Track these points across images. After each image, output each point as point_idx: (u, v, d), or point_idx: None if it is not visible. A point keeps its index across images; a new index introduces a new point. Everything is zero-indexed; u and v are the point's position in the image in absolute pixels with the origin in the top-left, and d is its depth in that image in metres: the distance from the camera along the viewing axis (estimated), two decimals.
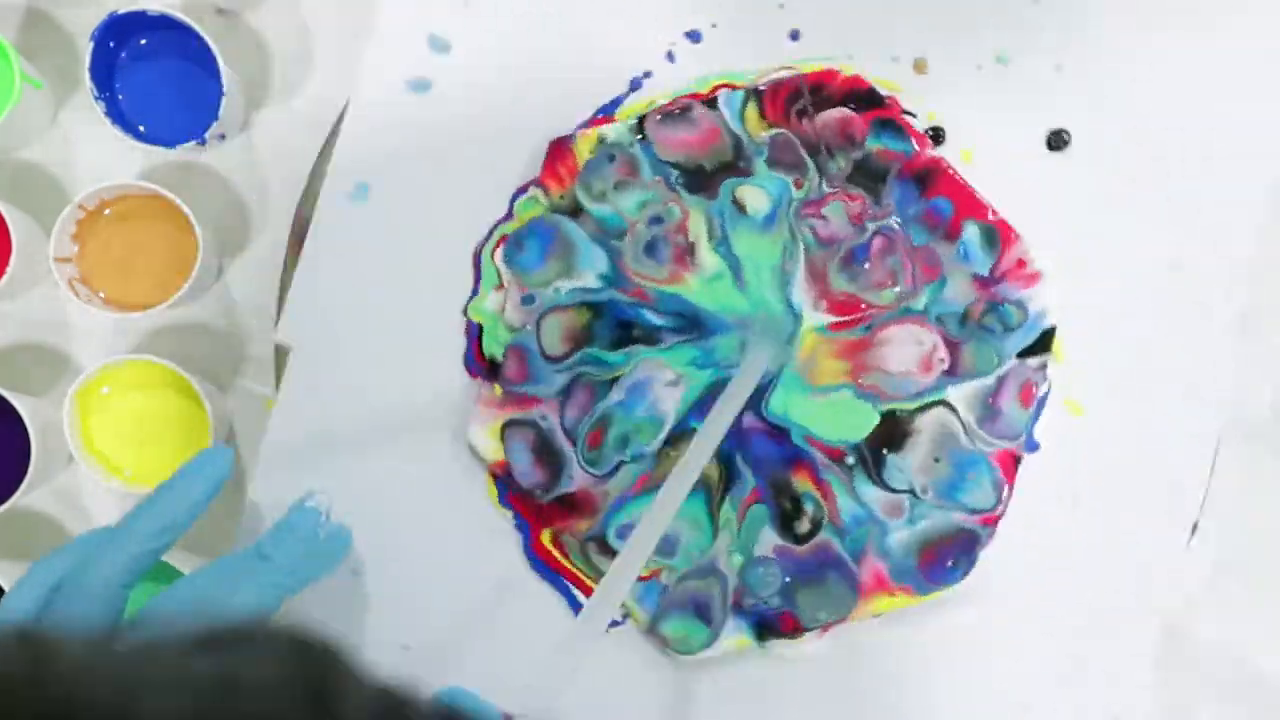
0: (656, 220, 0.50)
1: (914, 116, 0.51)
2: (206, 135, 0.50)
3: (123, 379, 0.51)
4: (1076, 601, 0.51)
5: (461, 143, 0.52)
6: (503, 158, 0.52)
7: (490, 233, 0.51)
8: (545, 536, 0.51)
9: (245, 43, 0.53)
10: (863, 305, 0.50)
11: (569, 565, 0.51)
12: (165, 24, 0.50)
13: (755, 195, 0.50)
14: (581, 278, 0.50)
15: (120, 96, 0.52)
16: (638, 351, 0.50)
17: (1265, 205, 0.51)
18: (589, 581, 0.50)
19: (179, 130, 0.51)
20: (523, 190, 0.52)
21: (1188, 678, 0.51)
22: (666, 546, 0.49)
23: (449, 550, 0.51)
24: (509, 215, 0.52)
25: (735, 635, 0.50)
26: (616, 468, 0.50)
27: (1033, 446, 0.51)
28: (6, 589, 0.49)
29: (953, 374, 0.50)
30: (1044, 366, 0.51)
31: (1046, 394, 0.51)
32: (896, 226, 0.50)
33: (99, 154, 0.53)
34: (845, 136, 0.50)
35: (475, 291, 0.51)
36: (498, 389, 0.50)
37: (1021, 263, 0.51)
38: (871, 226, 0.50)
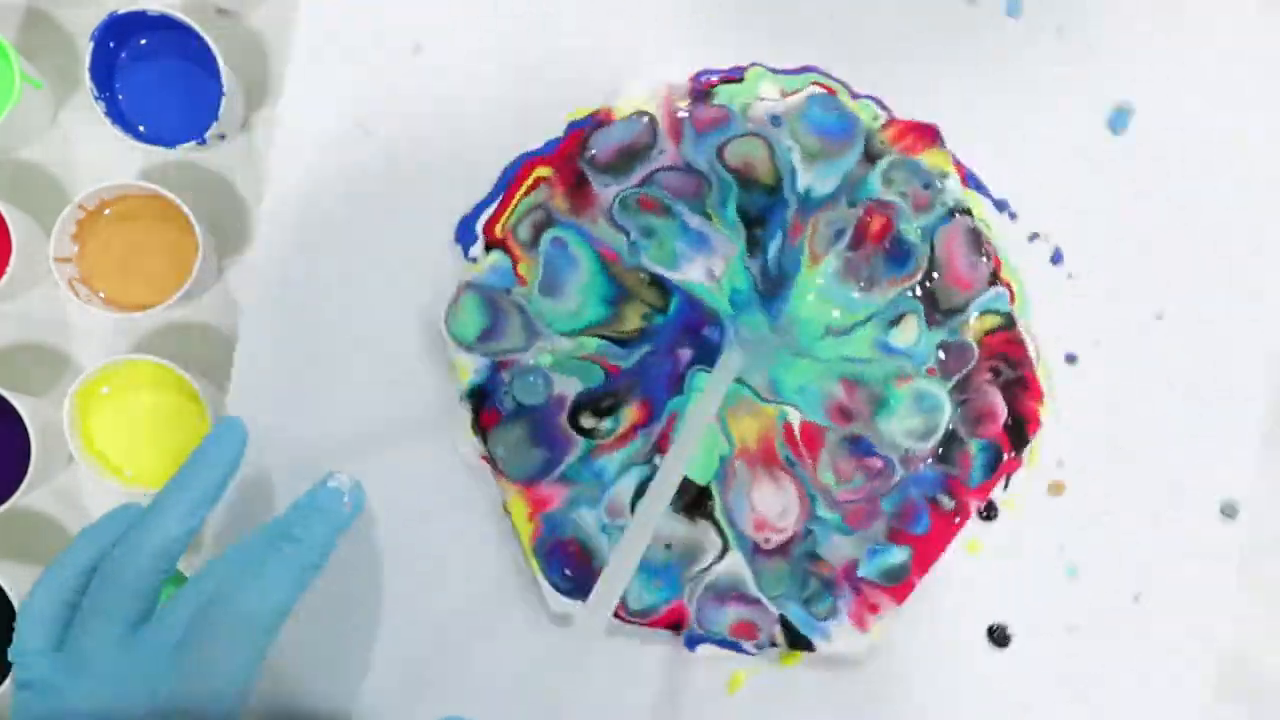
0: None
1: None
2: (206, 135, 0.50)
3: (122, 379, 0.51)
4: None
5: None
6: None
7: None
8: None
9: (245, 43, 0.53)
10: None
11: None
12: (165, 24, 0.50)
13: None
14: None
15: (120, 96, 0.52)
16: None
17: None
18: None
19: (179, 130, 0.51)
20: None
21: (1188, 678, 0.51)
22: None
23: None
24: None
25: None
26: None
27: None
28: (7, 589, 0.49)
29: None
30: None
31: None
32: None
33: (99, 154, 0.53)
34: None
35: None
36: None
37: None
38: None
